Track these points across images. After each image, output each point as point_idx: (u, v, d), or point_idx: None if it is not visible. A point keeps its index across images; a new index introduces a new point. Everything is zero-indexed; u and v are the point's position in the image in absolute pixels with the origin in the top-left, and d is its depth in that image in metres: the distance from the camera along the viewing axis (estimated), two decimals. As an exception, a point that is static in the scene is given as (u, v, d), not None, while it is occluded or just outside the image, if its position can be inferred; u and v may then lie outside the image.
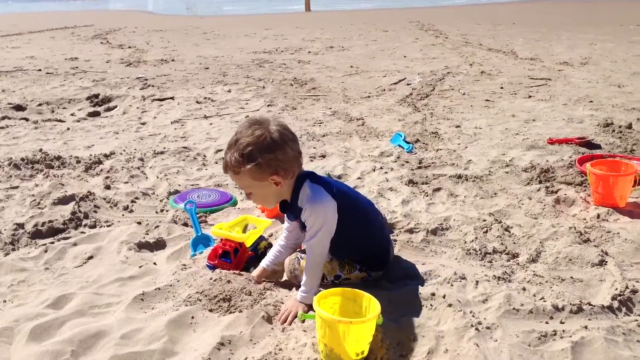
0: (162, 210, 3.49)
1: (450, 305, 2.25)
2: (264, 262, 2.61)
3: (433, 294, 2.34)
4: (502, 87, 7.14)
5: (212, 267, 2.66)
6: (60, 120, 5.94)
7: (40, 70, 9.00)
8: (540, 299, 2.37)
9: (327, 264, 2.43)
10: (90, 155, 4.49)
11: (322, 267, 2.37)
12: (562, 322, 2.19)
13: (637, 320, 2.22)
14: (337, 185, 2.49)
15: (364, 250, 2.52)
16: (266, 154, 2.20)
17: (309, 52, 10.93)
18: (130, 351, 2.06)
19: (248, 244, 2.75)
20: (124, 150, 4.70)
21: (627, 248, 2.82)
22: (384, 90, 7.18)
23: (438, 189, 3.73)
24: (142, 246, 2.96)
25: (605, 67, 8.36)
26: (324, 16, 21.90)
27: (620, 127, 4.97)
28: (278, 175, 2.25)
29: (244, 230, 2.94)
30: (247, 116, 5.64)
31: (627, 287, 2.41)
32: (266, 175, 2.24)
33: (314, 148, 4.73)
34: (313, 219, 2.29)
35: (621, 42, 11.02)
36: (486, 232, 3.04)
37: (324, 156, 4.51)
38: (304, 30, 15.60)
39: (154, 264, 2.79)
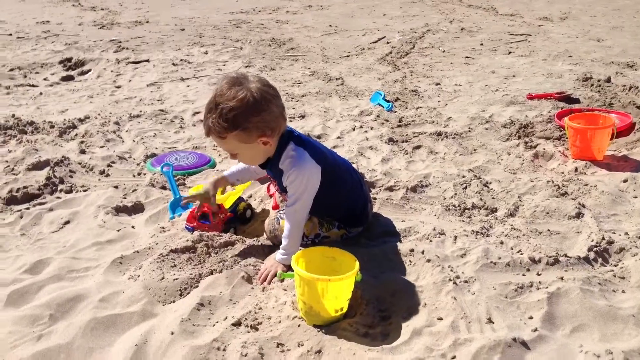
0: (139, 174, 3.43)
1: (429, 260, 2.26)
2: (227, 172, 2.66)
3: (412, 250, 2.35)
4: (482, 44, 7.08)
5: (191, 229, 2.65)
6: (33, 85, 5.78)
7: (10, 34, 8.70)
8: (518, 252, 2.39)
9: (307, 223, 2.40)
10: (65, 119, 4.38)
11: (302, 231, 2.35)
12: (538, 274, 2.22)
13: (612, 271, 2.26)
14: (316, 145, 2.45)
15: (342, 209, 2.50)
16: (252, 117, 2.09)
17: (287, 11, 10.71)
18: (109, 314, 2.04)
19: (227, 205, 2.73)
20: (99, 114, 4.59)
21: (604, 200, 2.85)
22: (364, 49, 7.08)
23: (418, 147, 3.72)
24: (119, 210, 2.92)
25: (584, 21, 8.32)
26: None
27: (599, 81, 4.97)
28: (266, 136, 2.17)
29: (223, 191, 2.91)
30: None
31: (603, 239, 2.44)
32: (254, 137, 2.15)
33: (294, 108, 4.67)
34: (297, 185, 2.25)
35: (601, -4, 10.95)
36: (465, 188, 3.05)
37: (303, 116, 4.45)
38: (282, -11, 15.24)
39: (132, 227, 2.76)
